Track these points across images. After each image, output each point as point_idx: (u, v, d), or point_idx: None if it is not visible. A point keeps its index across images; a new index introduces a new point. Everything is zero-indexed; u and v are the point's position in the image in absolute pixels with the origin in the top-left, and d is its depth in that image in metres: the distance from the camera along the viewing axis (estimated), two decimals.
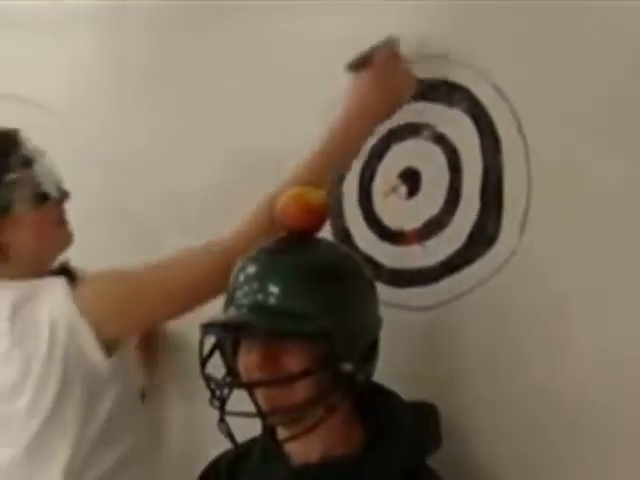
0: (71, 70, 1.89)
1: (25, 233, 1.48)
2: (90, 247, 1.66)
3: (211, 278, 1.37)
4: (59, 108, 1.87)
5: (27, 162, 1.48)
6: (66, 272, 1.52)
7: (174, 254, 1.44)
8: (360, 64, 1.41)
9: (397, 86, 1.41)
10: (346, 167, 1.46)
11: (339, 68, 1.43)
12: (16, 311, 1.41)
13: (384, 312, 1.24)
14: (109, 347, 1.43)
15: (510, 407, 1.34)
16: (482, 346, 1.36)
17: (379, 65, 1.39)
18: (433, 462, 1.22)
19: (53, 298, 1.41)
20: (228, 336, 1.20)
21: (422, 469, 1.20)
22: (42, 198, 1.49)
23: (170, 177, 1.75)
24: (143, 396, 1.63)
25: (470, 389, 1.38)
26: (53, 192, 1.50)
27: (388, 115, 1.42)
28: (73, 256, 1.58)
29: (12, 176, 1.46)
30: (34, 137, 1.52)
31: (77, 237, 1.55)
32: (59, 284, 1.43)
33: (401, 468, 1.16)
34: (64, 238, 1.54)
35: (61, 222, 1.54)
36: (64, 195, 1.53)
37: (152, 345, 1.73)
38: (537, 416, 1.32)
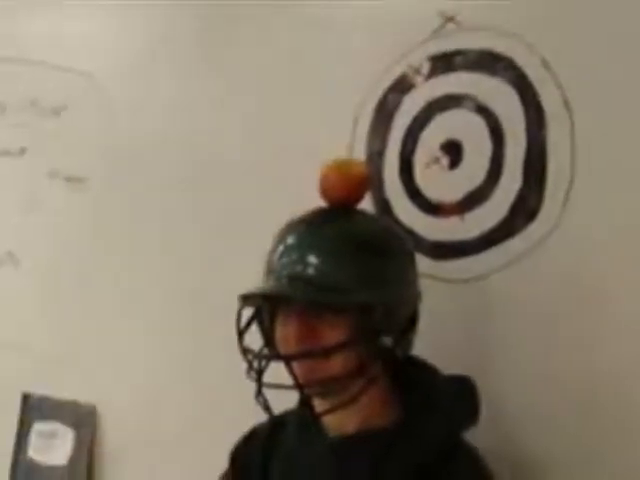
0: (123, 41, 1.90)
1: None
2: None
3: None
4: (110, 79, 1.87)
5: None
6: None
7: None
8: None
9: None
10: None
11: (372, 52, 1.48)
12: None
13: (423, 284, 1.24)
14: None
15: (546, 385, 1.32)
16: (521, 320, 1.35)
17: None
18: (473, 440, 1.20)
19: None
20: (266, 306, 1.20)
21: (458, 443, 1.18)
22: None
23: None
24: None
25: (507, 363, 1.37)
26: None
27: None
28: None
29: None
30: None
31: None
32: None
33: (437, 442, 1.15)
34: None
35: None
36: None
37: None
38: (573, 397, 1.30)
